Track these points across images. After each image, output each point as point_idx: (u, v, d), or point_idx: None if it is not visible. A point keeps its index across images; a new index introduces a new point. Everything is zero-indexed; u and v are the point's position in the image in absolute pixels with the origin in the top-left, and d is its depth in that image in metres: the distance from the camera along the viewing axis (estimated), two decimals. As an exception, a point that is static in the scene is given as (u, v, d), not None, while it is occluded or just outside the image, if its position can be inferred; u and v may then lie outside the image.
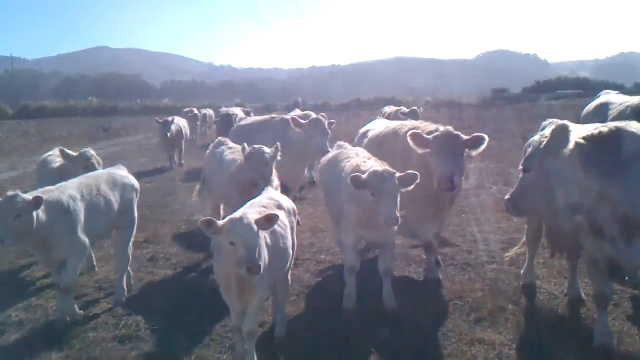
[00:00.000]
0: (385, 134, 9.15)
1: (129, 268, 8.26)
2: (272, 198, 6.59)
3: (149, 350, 6.50)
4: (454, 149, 7.38)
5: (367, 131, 10.03)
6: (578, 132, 5.64)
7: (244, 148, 8.53)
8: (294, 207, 6.94)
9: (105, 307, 7.74)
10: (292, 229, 6.48)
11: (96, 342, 6.67)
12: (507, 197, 6.24)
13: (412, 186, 6.67)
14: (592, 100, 11.23)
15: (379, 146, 8.88)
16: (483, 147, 7.49)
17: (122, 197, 7.83)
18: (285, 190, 9.78)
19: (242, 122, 14.36)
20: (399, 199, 6.81)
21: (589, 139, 5.24)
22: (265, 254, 5.49)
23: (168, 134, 20.91)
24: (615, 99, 10.19)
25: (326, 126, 11.15)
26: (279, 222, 5.71)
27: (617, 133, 5.22)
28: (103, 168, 9.19)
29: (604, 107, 10.09)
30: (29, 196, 6.44)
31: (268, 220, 5.39)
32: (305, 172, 13.62)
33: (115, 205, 7.66)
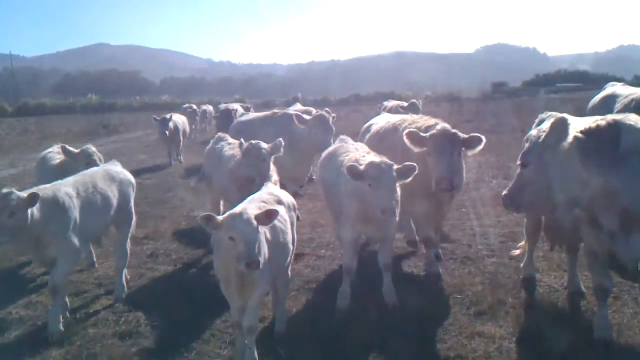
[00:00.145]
0: (386, 129, 9.07)
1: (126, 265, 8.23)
2: (272, 193, 6.60)
3: (149, 346, 6.51)
4: (451, 148, 7.31)
5: (369, 126, 9.97)
6: (577, 125, 5.63)
7: (241, 144, 8.52)
8: (294, 202, 6.95)
9: (106, 303, 7.74)
10: (292, 224, 6.49)
11: (96, 338, 6.67)
12: (504, 192, 6.20)
13: (410, 178, 6.67)
14: (598, 93, 11.17)
15: (379, 141, 8.81)
16: (480, 147, 7.44)
17: (119, 194, 7.78)
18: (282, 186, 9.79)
19: (244, 118, 14.28)
20: (398, 192, 6.83)
21: (587, 132, 5.23)
22: (265, 249, 5.50)
23: (167, 132, 20.76)
24: (621, 90, 10.13)
25: (330, 122, 11.04)
26: (278, 217, 5.71)
27: (615, 126, 5.21)
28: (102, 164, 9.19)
29: (609, 100, 10.05)
30: (23, 194, 6.36)
31: (268, 216, 5.40)
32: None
33: (113, 202, 7.61)
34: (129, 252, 8.20)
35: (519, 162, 6.20)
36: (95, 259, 9.23)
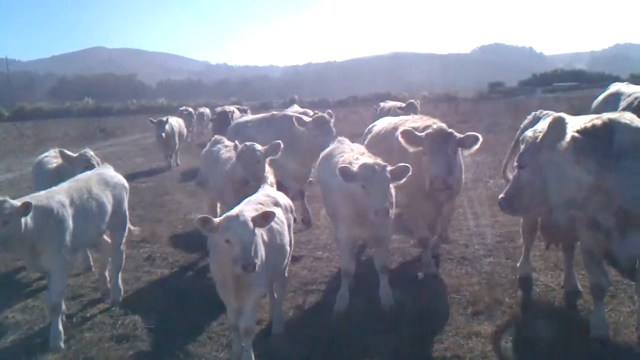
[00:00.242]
0: (386, 130, 9.00)
1: (107, 270, 8.20)
2: (269, 195, 6.61)
3: (146, 349, 6.51)
4: (446, 147, 7.30)
5: (371, 128, 9.90)
6: (574, 124, 5.63)
7: (236, 146, 8.51)
8: (291, 204, 6.96)
9: (102, 307, 7.74)
10: (289, 225, 6.50)
11: (93, 342, 6.66)
12: (501, 196, 6.07)
13: (404, 179, 6.66)
14: (602, 92, 11.13)
15: (378, 143, 8.78)
16: (476, 146, 7.43)
17: (113, 198, 7.70)
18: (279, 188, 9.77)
19: (242, 119, 14.10)
20: (393, 194, 6.82)
21: (583, 131, 5.23)
22: (262, 251, 5.50)
23: (163, 134, 20.69)
24: (626, 89, 10.07)
25: (331, 125, 10.97)
26: (275, 219, 5.72)
27: (610, 125, 5.21)
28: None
29: (613, 98, 9.97)
30: (17, 202, 6.25)
31: (265, 218, 5.41)
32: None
33: (108, 207, 7.53)
34: (124, 255, 8.16)
35: (515, 164, 6.10)
36: (92, 263, 9.22)
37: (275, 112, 13.22)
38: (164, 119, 21.25)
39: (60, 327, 6.66)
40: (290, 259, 6.81)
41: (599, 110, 9.25)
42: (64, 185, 7.28)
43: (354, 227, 6.98)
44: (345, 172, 6.52)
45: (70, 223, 6.72)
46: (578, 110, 10.96)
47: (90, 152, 9.32)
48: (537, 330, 6.26)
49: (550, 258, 8.32)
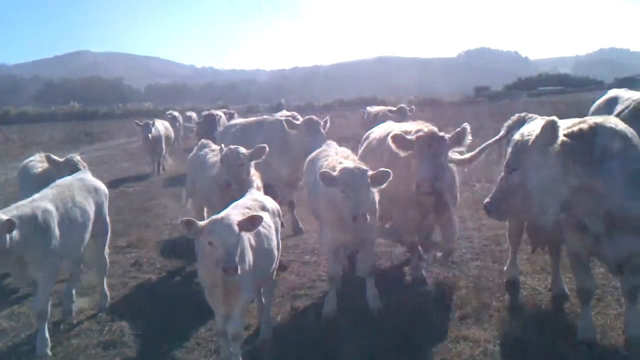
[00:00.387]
0: (380, 136, 8.83)
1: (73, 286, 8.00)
2: (256, 199, 6.58)
3: (133, 355, 6.47)
4: (436, 150, 7.18)
5: (369, 134, 9.69)
6: (563, 128, 5.65)
7: (221, 149, 8.50)
8: (278, 208, 6.93)
9: (89, 313, 7.67)
10: (276, 230, 6.47)
11: (80, 348, 6.61)
12: (487, 200, 6.01)
13: (385, 184, 6.65)
14: (601, 96, 11.08)
15: (374, 150, 8.68)
16: (468, 138, 7.44)
17: (95, 205, 7.58)
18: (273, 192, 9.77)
19: (233, 122, 14.01)
20: (377, 199, 6.87)
21: (570, 135, 5.26)
22: (249, 256, 5.49)
23: (149, 136, 20.52)
24: (624, 94, 10.06)
25: (320, 127, 10.81)
26: (263, 223, 5.70)
27: (595, 129, 5.24)
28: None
29: (611, 103, 9.95)
30: (2, 216, 6.03)
31: (252, 222, 5.39)
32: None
33: (91, 214, 7.42)
34: (107, 261, 8.10)
35: (505, 167, 6.04)
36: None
37: (266, 116, 13.17)
38: (150, 121, 21.14)
39: (47, 334, 6.58)
40: (278, 264, 6.80)
41: (599, 113, 9.21)
42: (47, 191, 7.09)
43: (337, 231, 6.95)
44: (326, 177, 6.52)
45: (56, 230, 6.60)
46: (563, 113, 10.96)
47: (77, 157, 9.25)
48: (524, 334, 6.26)
49: (537, 261, 8.36)
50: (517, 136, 5.86)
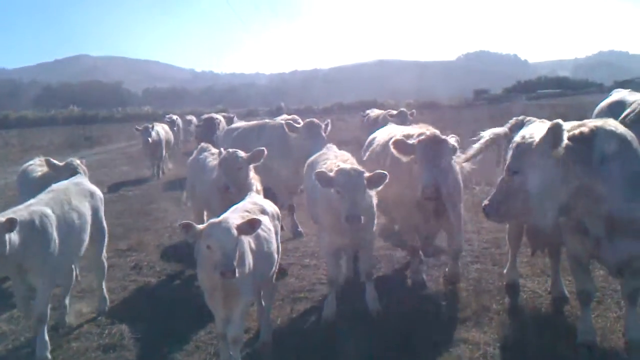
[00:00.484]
0: (383, 141, 8.68)
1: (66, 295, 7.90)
2: (255, 203, 6.59)
3: (133, 359, 6.46)
4: (438, 154, 7.09)
5: (372, 139, 9.58)
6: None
7: (220, 152, 8.51)
8: (278, 211, 6.92)
9: (89, 316, 7.66)
10: (276, 233, 6.48)
11: (80, 352, 6.61)
12: (486, 203, 5.91)
13: (382, 186, 6.66)
14: (604, 99, 10.95)
15: (378, 155, 8.59)
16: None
17: (92, 209, 7.54)
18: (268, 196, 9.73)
19: (235, 126, 13.88)
20: (374, 202, 6.93)
21: (572, 139, 5.25)
22: (249, 259, 5.49)
23: (149, 139, 20.42)
24: (629, 97, 9.96)
25: (321, 130, 10.69)
26: (263, 226, 5.71)
27: (595, 132, 5.25)
28: (87, 177, 9.11)
29: (618, 106, 9.77)
30: (1, 218, 5.99)
31: (251, 225, 5.39)
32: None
33: (88, 218, 7.38)
34: (106, 264, 8.07)
35: (506, 169, 5.82)
36: (78, 272, 9.15)
37: (268, 120, 13.11)
38: (150, 125, 21.08)
39: (47, 337, 6.55)
40: (277, 267, 6.80)
41: (605, 116, 9.11)
42: (42, 196, 7.04)
43: (334, 234, 6.95)
44: (322, 177, 6.53)
45: (55, 234, 6.54)
46: (562, 116, 10.90)
47: (76, 161, 9.23)
48: (524, 337, 6.27)
49: (537, 264, 8.35)
50: (517, 139, 5.80)
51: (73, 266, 7.88)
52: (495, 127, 7.73)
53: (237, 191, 7.82)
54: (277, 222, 6.68)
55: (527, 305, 7.25)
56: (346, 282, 7.97)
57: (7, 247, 5.95)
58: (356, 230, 6.59)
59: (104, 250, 7.99)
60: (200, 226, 5.26)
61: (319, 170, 6.71)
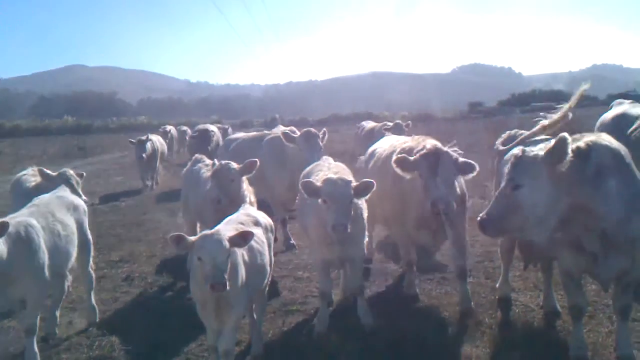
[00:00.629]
0: (385, 154, 8.50)
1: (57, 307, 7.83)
2: (249, 215, 6.58)
3: (123, 371, 6.43)
4: (443, 167, 6.84)
5: (373, 151, 9.37)
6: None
7: (214, 164, 8.50)
8: (272, 223, 6.91)
9: (79, 328, 7.63)
10: (269, 245, 6.46)
11: (70, 363, 6.57)
12: (483, 217, 5.68)
13: (369, 195, 6.67)
14: (606, 111, 10.85)
15: (380, 169, 8.37)
16: (474, 174, 7.07)
17: (75, 222, 7.45)
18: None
19: (234, 136, 13.79)
20: (365, 214, 6.98)
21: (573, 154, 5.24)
22: (242, 271, 5.48)
23: (144, 155, 19.77)
24: (633, 110, 9.89)
25: (319, 139, 10.61)
26: (256, 239, 5.70)
27: (591, 147, 5.25)
28: (80, 187, 9.09)
29: (621, 119, 9.68)
30: None
31: (243, 237, 5.37)
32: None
33: (74, 230, 7.31)
34: (93, 276, 8.00)
35: (507, 183, 5.56)
36: (70, 284, 9.10)
37: (267, 131, 13.02)
38: (144, 137, 20.56)
39: (36, 349, 6.50)
40: (270, 280, 6.77)
41: (606, 130, 8.99)
42: (25, 210, 6.92)
43: (323, 247, 6.92)
44: (308, 187, 6.54)
45: (42, 245, 6.46)
46: (557, 130, 10.91)
47: (70, 172, 9.22)
48: (516, 351, 6.25)
49: (529, 278, 8.35)
50: (516, 152, 5.68)
51: (64, 278, 7.82)
52: (489, 139, 7.74)
53: (229, 203, 7.81)
54: (270, 234, 6.67)
55: (520, 320, 7.23)
56: (344, 299, 7.96)
57: None
58: (342, 240, 6.57)
59: (91, 262, 7.93)
60: (192, 238, 5.24)
61: (305, 180, 6.71)
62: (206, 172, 9.31)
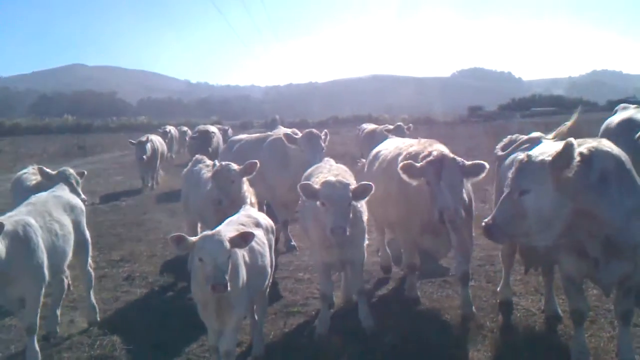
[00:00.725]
0: (391, 156, 8.33)
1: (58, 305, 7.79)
2: (250, 216, 6.57)
3: (124, 371, 6.42)
4: (451, 173, 6.71)
5: (377, 153, 9.18)
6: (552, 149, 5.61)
7: (214, 165, 8.49)
8: (272, 225, 6.91)
9: (81, 327, 7.63)
10: (270, 246, 6.46)
11: (71, 362, 6.55)
12: (488, 222, 5.61)
13: (367, 198, 6.67)
14: (610, 116, 10.74)
15: (385, 171, 8.25)
16: (483, 175, 6.96)
17: (72, 221, 7.38)
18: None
19: (237, 137, 13.65)
20: (365, 218, 6.97)
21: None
22: (243, 272, 5.47)
23: (144, 157, 19.85)
24: (638, 115, 9.79)
25: (321, 140, 10.47)
26: (257, 240, 5.70)
27: (592, 153, 5.24)
28: (80, 186, 9.08)
29: (628, 124, 9.67)
30: None
31: (243, 238, 5.37)
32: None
33: (70, 229, 7.26)
34: (92, 275, 7.97)
35: (513, 188, 5.47)
36: (70, 282, 9.10)
37: (270, 133, 12.97)
38: (144, 138, 20.57)
39: (37, 347, 6.49)
40: (271, 281, 6.77)
41: (614, 135, 8.86)
42: (22, 209, 6.90)
43: (322, 249, 6.91)
44: (306, 190, 6.53)
45: (40, 243, 6.44)
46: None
47: (69, 170, 9.19)
48: (517, 355, 6.26)
49: (530, 282, 8.35)
50: (522, 157, 5.63)
51: (64, 276, 7.81)
52: (490, 143, 7.75)
53: (230, 204, 7.80)
54: (271, 235, 6.66)
55: (521, 324, 7.23)
56: (345, 301, 7.95)
57: None
58: (342, 243, 6.57)
59: (90, 261, 7.91)
60: (193, 238, 5.24)
61: (303, 182, 6.70)
62: (206, 173, 9.31)
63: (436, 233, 7.26)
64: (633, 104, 11.99)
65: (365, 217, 7.07)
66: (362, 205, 7.00)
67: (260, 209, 8.72)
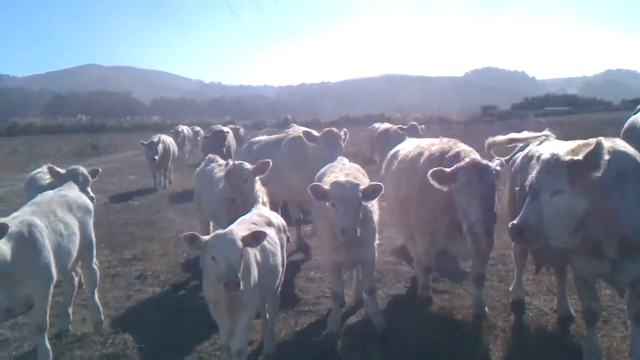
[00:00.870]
0: (412, 155, 8.15)
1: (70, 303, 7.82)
2: (262, 215, 6.57)
3: (136, 369, 6.44)
4: (485, 183, 6.37)
5: (396, 152, 9.01)
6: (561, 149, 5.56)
7: (227, 164, 8.51)
8: (284, 224, 6.89)
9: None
10: (282, 246, 6.45)
11: (83, 360, 6.57)
12: (517, 223, 5.34)
13: (377, 198, 6.66)
14: (634, 114, 10.17)
15: (406, 169, 8.09)
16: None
17: (78, 220, 7.28)
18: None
19: (256, 139, 13.58)
20: (376, 217, 6.94)
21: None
22: (255, 271, 5.48)
23: (155, 158, 20.04)
24: None
25: (340, 139, 10.42)
26: (268, 239, 5.70)
27: (611, 152, 5.19)
28: (92, 186, 9.10)
29: None
30: None
31: (255, 238, 5.37)
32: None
33: (76, 229, 7.16)
34: (97, 275, 7.88)
35: (546, 190, 5.25)
36: (80, 280, 9.12)
37: (289, 132, 12.94)
38: (155, 139, 20.64)
39: (48, 345, 6.47)
40: (282, 280, 6.77)
41: (636, 135, 8.60)
42: (27, 209, 6.83)
43: (332, 249, 6.88)
44: (316, 191, 6.52)
45: (47, 243, 6.36)
46: (569, 135, 10.76)
47: (81, 168, 9.18)
48: (529, 355, 6.24)
49: (543, 282, 8.32)
50: (548, 157, 5.47)
51: (73, 274, 7.84)
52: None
53: (242, 203, 7.81)
54: (283, 234, 6.66)
55: (533, 323, 7.20)
56: (357, 301, 7.94)
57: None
58: (352, 243, 6.53)
59: (95, 260, 7.87)
60: (205, 237, 5.25)
61: (313, 183, 6.69)
62: (219, 172, 9.32)
63: (460, 236, 7.04)
64: None
65: (375, 216, 7.05)
66: (373, 205, 6.99)
67: (274, 209, 8.72)
